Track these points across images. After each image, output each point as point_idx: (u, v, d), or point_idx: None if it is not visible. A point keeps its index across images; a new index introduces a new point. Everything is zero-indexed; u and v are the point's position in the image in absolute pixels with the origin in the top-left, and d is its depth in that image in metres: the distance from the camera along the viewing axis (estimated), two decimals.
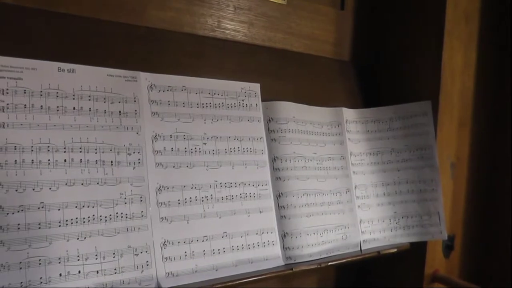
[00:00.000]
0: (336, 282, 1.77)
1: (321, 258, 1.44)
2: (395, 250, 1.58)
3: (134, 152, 1.18)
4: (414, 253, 1.65)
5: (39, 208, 1.04)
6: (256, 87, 1.43)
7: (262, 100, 1.44)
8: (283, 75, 1.56)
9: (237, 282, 1.25)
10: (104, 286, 1.09)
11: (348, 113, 1.64)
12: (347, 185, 1.58)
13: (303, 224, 1.43)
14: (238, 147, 1.36)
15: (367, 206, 1.62)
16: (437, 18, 1.65)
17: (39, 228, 1.04)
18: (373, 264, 1.74)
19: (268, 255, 1.36)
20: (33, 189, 1.04)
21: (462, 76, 1.73)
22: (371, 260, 1.61)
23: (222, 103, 1.36)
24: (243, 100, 1.40)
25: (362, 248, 1.57)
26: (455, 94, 1.71)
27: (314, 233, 1.45)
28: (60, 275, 1.05)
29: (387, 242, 1.63)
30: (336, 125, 1.60)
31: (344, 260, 1.48)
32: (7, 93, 1.04)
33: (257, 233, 1.35)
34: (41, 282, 1.02)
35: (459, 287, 1.65)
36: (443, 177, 1.66)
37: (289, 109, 1.48)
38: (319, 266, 1.40)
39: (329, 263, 1.42)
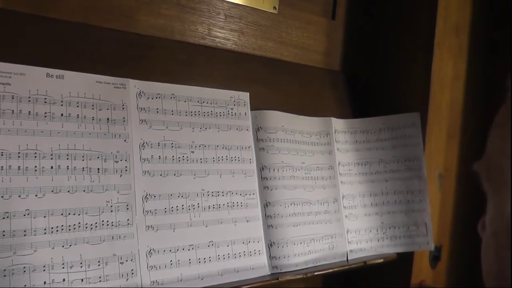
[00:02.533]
0: None
1: (307, 268, 1.44)
2: (382, 260, 1.59)
3: (121, 160, 1.18)
4: (401, 263, 1.66)
5: (24, 215, 1.04)
6: (245, 96, 1.44)
7: (251, 109, 1.44)
8: (273, 84, 1.56)
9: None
10: None
11: (337, 123, 1.65)
12: (334, 195, 1.59)
13: (290, 234, 1.44)
14: (226, 156, 1.36)
15: (355, 216, 1.63)
16: (428, 30, 1.67)
17: (25, 235, 1.03)
18: (360, 274, 1.74)
19: (254, 264, 1.36)
20: (19, 196, 1.04)
21: (451, 88, 1.74)
22: (358, 270, 1.62)
23: (211, 111, 1.36)
24: (232, 109, 1.40)
25: (348, 258, 1.58)
26: (444, 105, 1.72)
27: (301, 243, 1.45)
28: (45, 283, 1.04)
29: (374, 252, 1.63)
30: (324, 135, 1.61)
31: (330, 270, 1.49)
32: None
33: (243, 242, 1.35)
34: None
35: None
36: (431, 188, 1.68)
37: (278, 118, 1.49)
38: (305, 276, 1.40)
39: (315, 273, 1.43)
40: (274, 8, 1.61)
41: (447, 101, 1.73)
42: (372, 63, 1.82)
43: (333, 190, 1.59)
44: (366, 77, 1.82)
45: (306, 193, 1.51)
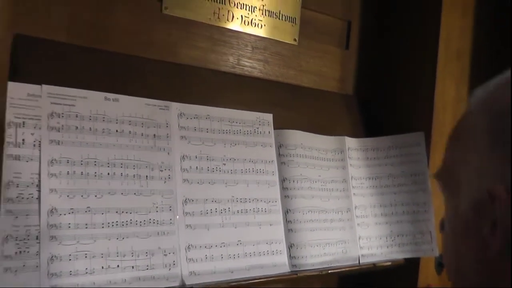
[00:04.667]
0: None
1: (322, 268, 1.64)
2: (390, 263, 1.78)
3: (165, 169, 1.40)
4: (408, 268, 1.85)
5: (86, 211, 1.26)
6: (269, 117, 1.65)
7: (274, 128, 1.65)
8: (293, 107, 1.78)
9: (250, 282, 1.45)
10: (138, 280, 1.30)
11: (350, 142, 1.86)
12: (348, 205, 1.79)
13: (308, 237, 1.64)
14: (252, 168, 1.57)
15: (366, 225, 1.82)
16: (431, 57, 1.87)
17: (86, 227, 1.25)
18: (371, 277, 1.93)
19: (276, 262, 1.56)
20: (82, 196, 1.26)
21: (453, 109, 1.94)
22: (369, 274, 1.81)
23: (240, 130, 1.57)
24: (257, 128, 1.61)
25: (360, 261, 1.77)
26: (447, 125, 1.91)
27: (317, 246, 1.65)
28: (102, 267, 1.26)
29: (383, 257, 1.82)
30: (339, 152, 1.82)
31: (343, 269, 1.68)
32: (62, 116, 1.27)
33: (267, 243, 1.55)
34: (86, 273, 1.23)
35: None
36: (436, 200, 1.86)
37: (297, 137, 1.70)
38: (320, 273, 1.60)
39: (329, 271, 1.62)
40: (295, 40, 1.84)
41: (450, 121, 1.92)
42: (382, 88, 2.03)
43: (346, 200, 1.79)
44: (376, 101, 2.03)
45: (322, 203, 1.71)
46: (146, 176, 1.37)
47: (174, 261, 1.37)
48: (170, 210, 1.39)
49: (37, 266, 1.18)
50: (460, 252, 0.81)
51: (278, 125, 1.68)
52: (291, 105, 1.78)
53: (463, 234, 0.79)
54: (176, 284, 1.36)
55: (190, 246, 1.40)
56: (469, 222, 0.76)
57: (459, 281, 0.83)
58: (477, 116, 0.77)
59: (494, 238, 0.70)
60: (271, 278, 1.50)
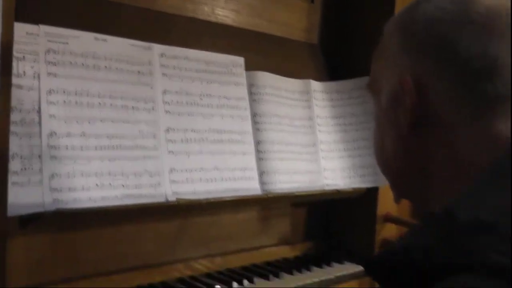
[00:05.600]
0: (305, 223, 2.17)
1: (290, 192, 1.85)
2: (352, 189, 1.99)
3: (149, 102, 1.58)
4: (369, 198, 2.06)
5: (80, 135, 1.44)
6: (241, 60, 1.84)
7: (246, 70, 1.84)
8: (263, 53, 1.97)
9: (226, 200, 1.65)
10: (128, 197, 1.49)
11: (315, 85, 2.05)
12: (313, 140, 1.99)
13: (277, 166, 1.84)
14: (227, 104, 1.76)
15: (330, 158, 2.02)
16: (389, 8, 2.06)
17: (81, 150, 1.43)
18: (335, 207, 2.14)
19: (249, 187, 1.76)
20: (77, 122, 1.44)
21: None
22: (333, 204, 2.03)
23: (215, 70, 1.76)
24: (231, 69, 1.80)
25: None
26: None
27: (285, 174, 1.85)
28: (96, 185, 1.44)
29: (346, 187, 2.03)
30: (305, 93, 2.01)
31: (309, 193, 1.89)
32: (58, 53, 1.44)
33: (240, 170, 1.75)
34: (83, 189, 1.41)
35: (407, 224, 2.06)
36: None
37: (267, 78, 1.90)
38: (288, 195, 1.81)
39: (296, 193, 1.82)
40: None
41: None
42: (345, 38, 2.23)
43: (312, 136, 1.99)
44: (339, 49, 2.23)
45: (290, 137, 1.91)
46: (132, 107, 1.54)
47: (159, 182, 1.55)
48: (154, 137, 1.57)
49: (40, 181, 1.35)
50: (384, 144, 0.93)
51: (249, 68, 1.87)
52: (261, 51, 1.96)
53: (385, 124, 0.91)
54: (161, 200, 1.55)
55: (172, 170, 1.59)
56: (389, 112, 0.88)
57: (387, 173, 0.96)
58: (392, 27, 0.92)
59: (408, 123, 0.84)
60: (244, 197, 1.70)
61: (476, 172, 0.76)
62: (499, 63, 0.77)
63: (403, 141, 0.87)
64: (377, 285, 2.01)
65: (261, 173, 1.80)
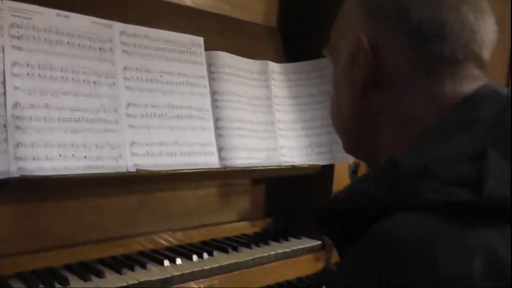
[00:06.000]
0: (264, 200, 2.25)
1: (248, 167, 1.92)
2: (308, 166, 2.07)
3: (110, 77, 1.63)
4: (324, 175, 2.14)
5: (44, 107, 1.49)
6: (200, 40, 1.90)
7: (205, 50, 1.91)
8: (222, 34, 2.04)
9: (185, 171, 1.72)
10: (90, 168, 1.54)
11: (274, 66, 2.13)
12: (271, 119, 2.06)
13: (236, 142, 1.91)
14: (186, 81, 1.82)
15: (288, 137, 2.10)
16: None
17: (45, 121, 1.48)
18: (293, 185, 2.23)
19: (208, 162, 1.83)
20: (40, 94, 1.49)
21: None
22: (291, 181, 2.11)
23: (175, 48, 1.82)
24: (190, 48, 1.86)
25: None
26: None
27: (244, 150, 1.93)
28: (60, 155, 1.49)
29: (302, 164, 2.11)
30: (263, 73, 2.09)
31: (267, 168, 1.96)
32: (22, 27, 1.49)
33: (200, 145, 1.81)
34: (47, 158, 1.46)
35: None
36: None
37: (225, 58, 1.97)
38: (245, 169, 1.88)
39: (253, 168, 1.90)
40: None
41: None
42: (303, 21, 2.30)
43: (270, 115, 2.07)
44: (297, 32, 2.30)
45: (248, 115, 1.99)
46: (94, 82, 1.60)
47: (120, 154, 1.61)
48: (115, 111, 1.63)
49: (5, 150, 1.40)
50: (340, 105, 1.00)
51: (208, 49, 1.93)
52: (220, 33, 2.03)
53: (342, 85, 0.98)
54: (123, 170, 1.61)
55: (133, 143, 1.64)
56: (346, 71, 0.95)
57: (341, 132, 1.05)
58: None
59: (362, 84, 0.92)
60: (203, 170, 1.77)
61: (422, 128, 0.84)
62: (447, 28, 0.86)
63: (357, 101, 0.95)
64: (332, 258, 2.11)
65: (220, 149, 1.87)
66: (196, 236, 1.98)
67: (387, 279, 0.67)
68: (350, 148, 1.06)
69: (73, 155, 1.52)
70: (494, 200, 0.67)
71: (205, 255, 1.78)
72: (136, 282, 1.53)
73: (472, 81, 0.86)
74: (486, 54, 0.89)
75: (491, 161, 0.70)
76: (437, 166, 0.73)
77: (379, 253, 0.70)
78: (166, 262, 1.67)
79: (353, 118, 0.97)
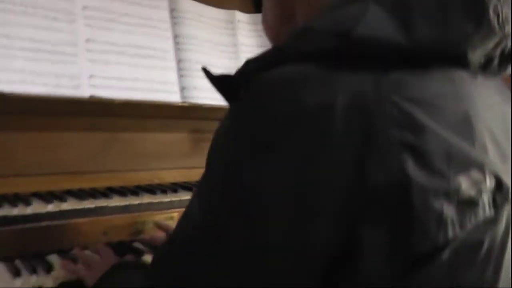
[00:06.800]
0: None
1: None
2: None
3: (69, 14, 1.75)
4: None
5: (5, 37, 1.60)
6: None
7: None
8: None
9: (142, 102, 1.82)
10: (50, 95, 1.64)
11: (241, 15, 2.22)
12: (238, 64, 2.13)
13: (199, 83, 2.00)
14: (147, 24, 1.93)
15: None
16: None
17: (6, 49, 1.59)
18: None
19: (171, 101, 1.93)
20: (1, 25, 1.60)
21: None
22: None
23: None
24: None
25: None
26: None
27: (208, 91, 2.00)
28: (20, 80, 1.60)
29: None
30: (230, 22, 2.18)
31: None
32: None
33: (161, 83, 1.91)
34: (8, 82, 1.57)
35: None
36: None
37: (189, 4, 2.07)
38: (204, 106, 1.97)
39: (215, 106, 1.98)
40: None
41: None
42: None
43: (237, 61, 2.16)
44: None
45: (213, 59, 2.08)
46: (53, 17, 1.71)
47: (78, 85, 1.72)
48: (74, 45, 1.74)
49: None
50: (268, 14, 1.08)
51: None
52: None
53: None
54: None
55: (92, 76, 1.75)
56: None
57: (270, 34, 1.10)
58: None
59: None
60: (159, 103, 1.88)
61: None
62: None
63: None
64: None
65: (182, 89, 1.96)
66: (167, 178, 2.04)
67: (252, 125, 0.73)
68: None
69: (33, 81, 1.63)
70: (362, 44, 0.69)
71: (169, 192, 1.84)
72: (93, 206, 1.61)
73: None
74: None
75: (369, 12, 0.72)
76: (319, 22, 0.76)
77: (249, 100, 0.75)
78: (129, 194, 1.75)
79: (275, 20, 1.05)
